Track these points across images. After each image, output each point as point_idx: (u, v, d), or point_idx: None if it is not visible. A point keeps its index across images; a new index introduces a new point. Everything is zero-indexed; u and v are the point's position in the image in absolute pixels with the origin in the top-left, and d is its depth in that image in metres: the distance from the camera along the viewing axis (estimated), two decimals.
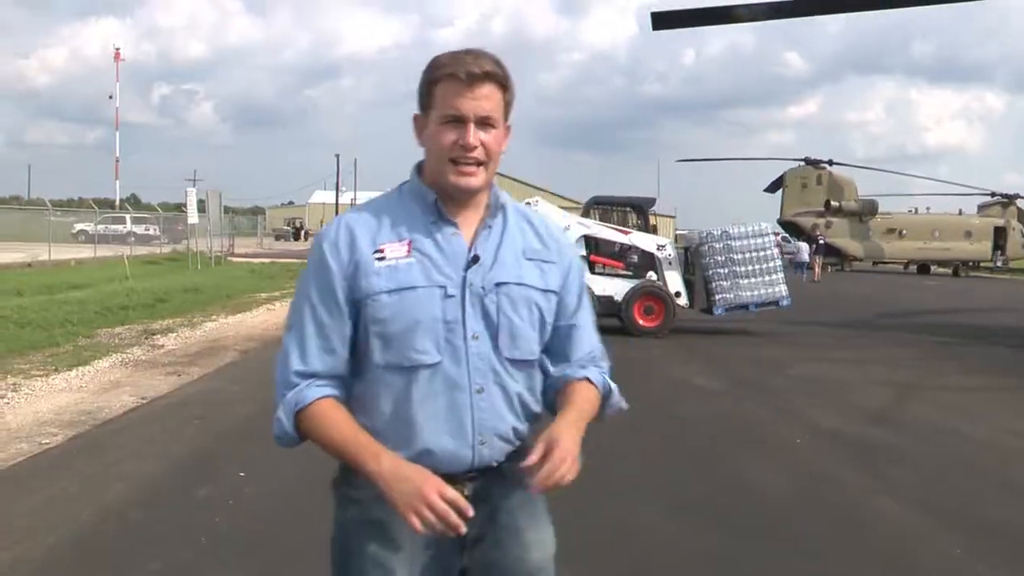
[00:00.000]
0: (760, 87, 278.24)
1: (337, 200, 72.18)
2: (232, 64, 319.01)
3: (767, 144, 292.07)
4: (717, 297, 16.14)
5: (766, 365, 12.97)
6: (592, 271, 15.89)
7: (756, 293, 16.25)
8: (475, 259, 2.05)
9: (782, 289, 16.43)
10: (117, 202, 62.47)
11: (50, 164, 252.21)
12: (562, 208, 17.19)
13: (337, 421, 2.01)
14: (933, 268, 53.75)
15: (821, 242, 42.94)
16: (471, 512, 1.92)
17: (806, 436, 8.17)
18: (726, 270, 16.13)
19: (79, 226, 46.86)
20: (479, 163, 2.03)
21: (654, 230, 17.12)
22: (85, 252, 34.65)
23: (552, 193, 67.41)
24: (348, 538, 2.11)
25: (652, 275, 16.02)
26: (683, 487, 6.41)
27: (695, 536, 5.31)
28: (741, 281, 16.11)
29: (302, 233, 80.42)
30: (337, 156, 78.02)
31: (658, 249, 16.18)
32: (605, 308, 15.21)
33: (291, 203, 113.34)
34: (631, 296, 15.62)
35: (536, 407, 2.17)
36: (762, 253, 16.33)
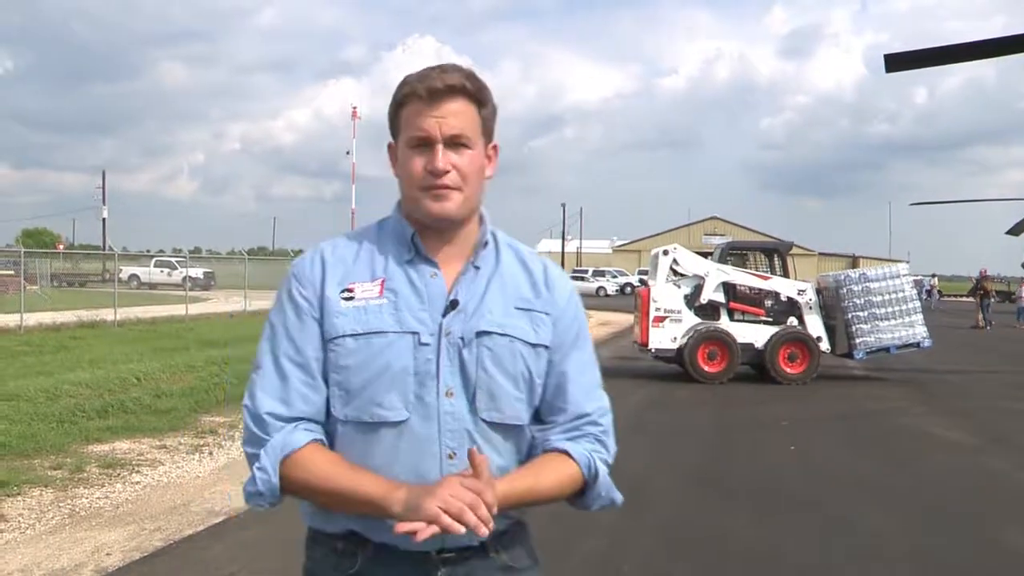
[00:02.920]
0: (1001, 122, 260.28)
1: (563, 248, 73.26)
2: None
3: (1009, 183, 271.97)
4: (857, 340, 15.77)
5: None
6: (731, 318, 15.72)
7: (896, 335, 15.94)
8: (454, 304, 1.78)
9: (922, 330, 16.03)
10: None
11: (292, 216, 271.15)
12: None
13: (335, 463, 1.73)
14: None
15: None
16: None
17: None
18: (865, 313, 15.84)
19: None
20: (454, 187, 1.76)
21: (793, 274, 16.60)
22: None
23: (778, 239, 65.62)
24: None
25: (793, 320, 15.74)
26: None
27: None
28: (880, 323, 15.85)
29: None
30: (563, 205, 78.88)
31: (799, 294, 15.91)
32: (747, 356, 15.39)
33: None
34: (775, 343, 15.40)
35: None
36: (900, 294, 16.03)
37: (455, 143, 1.76)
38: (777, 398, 13.84)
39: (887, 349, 15.96)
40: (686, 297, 15.58)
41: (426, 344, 1.74)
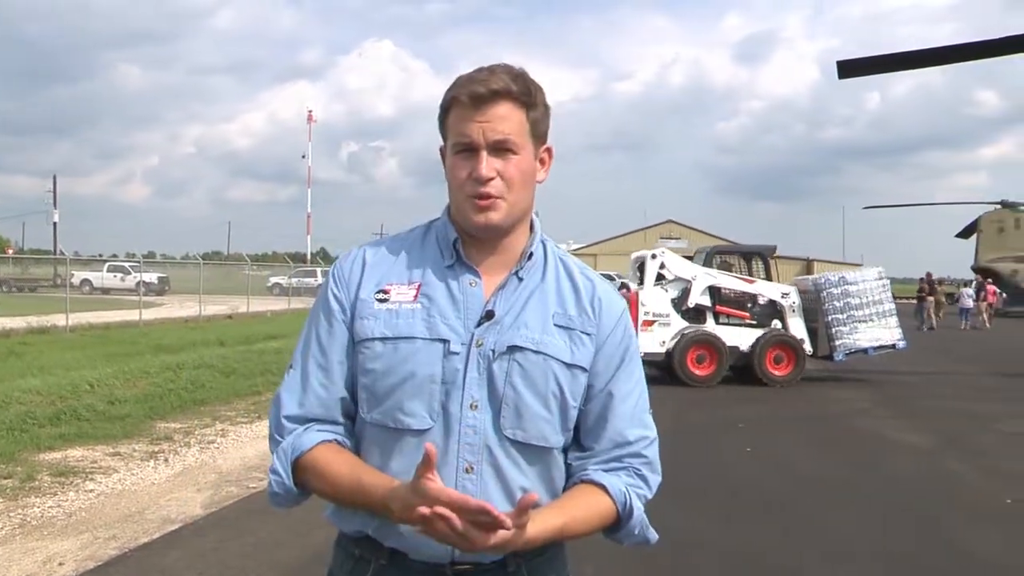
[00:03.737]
0: (951, 128, 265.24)
1: None
2: (417, 120, 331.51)
3: (958, 187, 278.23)
4: (837, 343, 16.03)
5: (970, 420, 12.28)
6: (717, 322, 15.84)
7: (874, 337, 16.27)
8: (490, 315, 1.72)
9: (898, 332, 16.47)
10: (309, 256, 65.89)
11: (247, 220, 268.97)
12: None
13: (343, 463, 1.70)
14: None
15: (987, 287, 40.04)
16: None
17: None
18: (844, 315, 16.14)
19: (273, 279, 49.80)
20: (499, 196, 1.70)
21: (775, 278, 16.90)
22: (279, 304, 36.83)
23: (734, 242, 65.93)
24: None
25: (777, 323, 15.96)
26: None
27: None
28: (859, 326, 16.17)
29: None
30: None
31: (782, 297, 16.10)
32: (732, 359, 15.58)
33: None
34: (761, 345, 15.56)
35: None
36: (877, 297, 16.40)
37: (500, 149, 1.70)
38: (736, 400, 13.96)
39: (865, 351, 16.26)
40: (673, 301, 15.67)
41: (455, 353, 1.69)
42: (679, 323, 15.59)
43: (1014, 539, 6.46)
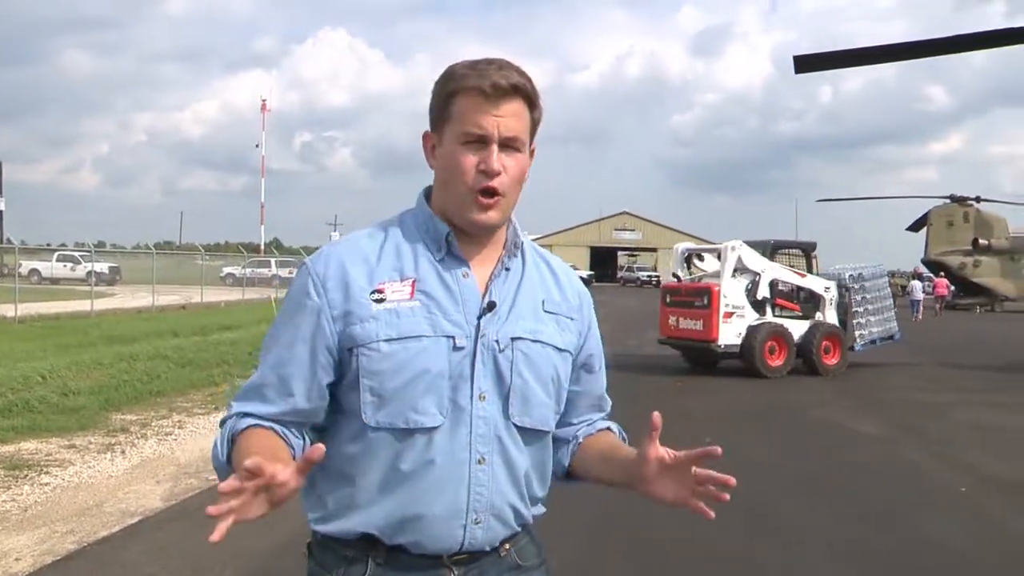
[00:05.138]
0: (901, 123, 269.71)
1: None
2: (371, 111, 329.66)
3: (909, 181, 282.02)
4: (857, 334, 17.02)
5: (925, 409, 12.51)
6: (774, 313, 16.42)
7: (881, 329, 17.51)
8: (491, 306, 1.72)
9: (895, 324, 17.80)
10: (262, 246, 65.24)
11: (200, 210, 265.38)
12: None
13: (256, 438, 1.64)
14: None
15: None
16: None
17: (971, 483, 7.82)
18: (862, 308, 17.21)
19: (227, 269, 49.32)
20: (502, 193, 1.70)
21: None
22: (233, 295, 36.41)
23: (690, 235, 66.24)
24: None
25: (819, 315, 16.70)
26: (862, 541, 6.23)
27: None
28: (872, 318, 17.32)
29: None
30: None
31: (824, 291, 16.82)
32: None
33: None
34: (818, 336, 16.20)
35: (541, 490, 1.84)
36: (884, 291, 17.74)
37: (508, 145, 1.69)
38: (696, 391, 14.10)
39: (874, 342, 17.32)
40: (746, 292, 16.10)
41: (461, 348, 1.68)
42: (751, 315, 16.06)
43: (971, 527, 6.59)
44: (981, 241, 48.57)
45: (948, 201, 51.04)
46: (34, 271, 44.43)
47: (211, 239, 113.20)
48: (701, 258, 17.47)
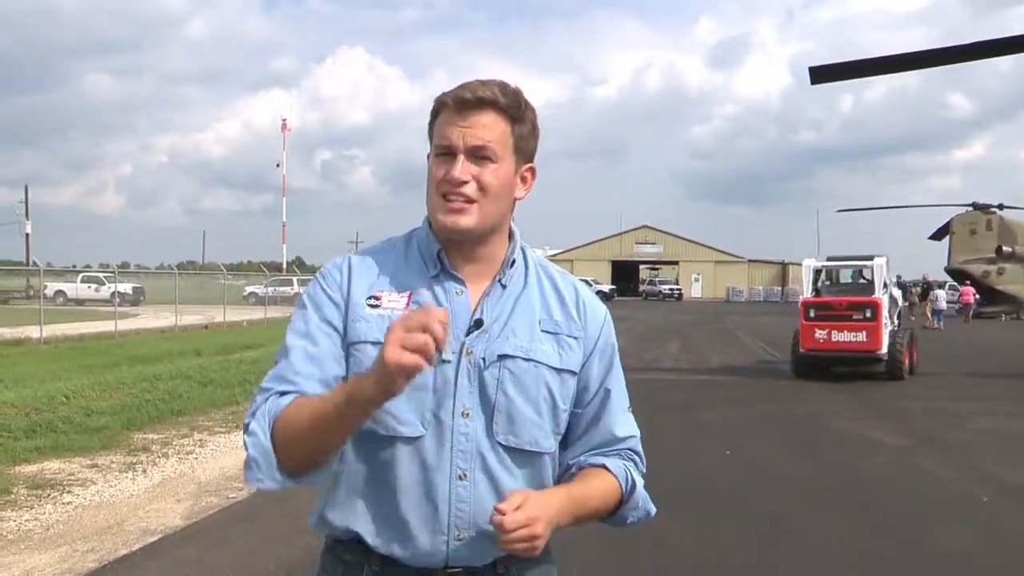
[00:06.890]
0: (922, 131, 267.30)
1: None
2: (390, 129, 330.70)
3: (931, 190, 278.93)
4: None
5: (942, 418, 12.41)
6: (893, 321, 17.63)
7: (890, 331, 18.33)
8: (478, 323, 1.74)
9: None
10: (284, 265, 65.58)
11: (222, 230, 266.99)
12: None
13: (309, 400, 1.64)
14: None
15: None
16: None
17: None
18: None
19: (249, 288, 49.57)
20: (471, 200, 1.72)
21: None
22: (256, 314, 36.58)
23: (711, 248, 66.05)
24: None
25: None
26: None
27: None
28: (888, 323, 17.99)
29: None
30: None
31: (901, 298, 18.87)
32: None
33: None
34: (909, 341, 17.47)
35: None
36: (899, 297, 19.33)
37: (478, 155, 1.72)
38: (710, 401, 14.02)
39: None
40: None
41: (446, 362, 1.69)
42: (890, 325, 17.23)
43: (991, 537, 6.53)
44: (1005, 248, 48.14)
45: (971, 209, 50.66)
46: (59, 292, 44.86)
47: (233, 259, 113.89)
48: (832, 274, 18.76)
